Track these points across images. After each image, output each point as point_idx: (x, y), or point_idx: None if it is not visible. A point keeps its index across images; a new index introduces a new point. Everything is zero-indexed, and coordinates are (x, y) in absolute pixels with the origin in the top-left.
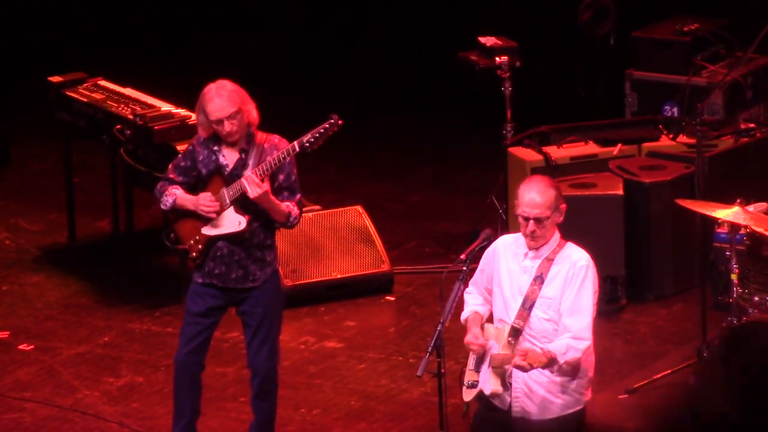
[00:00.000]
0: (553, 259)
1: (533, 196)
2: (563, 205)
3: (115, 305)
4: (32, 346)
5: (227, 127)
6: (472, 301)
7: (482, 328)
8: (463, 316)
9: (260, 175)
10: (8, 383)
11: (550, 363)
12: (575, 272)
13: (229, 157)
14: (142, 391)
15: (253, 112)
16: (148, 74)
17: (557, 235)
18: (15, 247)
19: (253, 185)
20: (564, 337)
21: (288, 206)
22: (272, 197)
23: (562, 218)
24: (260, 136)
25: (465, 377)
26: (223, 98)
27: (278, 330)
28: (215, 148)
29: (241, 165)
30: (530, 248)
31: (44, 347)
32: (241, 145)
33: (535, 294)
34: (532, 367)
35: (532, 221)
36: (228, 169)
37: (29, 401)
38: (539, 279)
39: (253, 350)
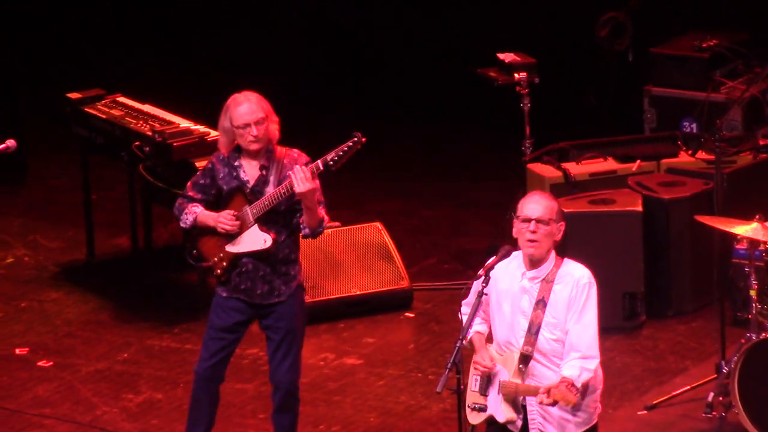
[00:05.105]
0: (552, 281)
1: (536, 199)
2: (563, 223)
3: (134, 322)
4: (51, 363)
5: (254, 131)
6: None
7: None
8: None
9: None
10: (27, 400)
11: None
12: (578, 291)
13: (249, 174)
14: (162, 408)
15: (275, 129)
16: (160, 90)
17: (553, 255)
18: (34, 264)
19: (301, 180)
20: (573, 359)
21: (322, 212)
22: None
23: (559, 236)
24: (280, 151)
25: (469, 398)
26: (252, 102)
27: (301, 344)
28: (236, 164)
29: (262, 182)
30: (528, 259)
31: (63, 364)
32: (261, 162)
33: (539, 318)
34: (558, 403)
35: (533, 222)
36: (249, 186)
37: (48, 418)
38: (541, 303)
39: (275, 364)
